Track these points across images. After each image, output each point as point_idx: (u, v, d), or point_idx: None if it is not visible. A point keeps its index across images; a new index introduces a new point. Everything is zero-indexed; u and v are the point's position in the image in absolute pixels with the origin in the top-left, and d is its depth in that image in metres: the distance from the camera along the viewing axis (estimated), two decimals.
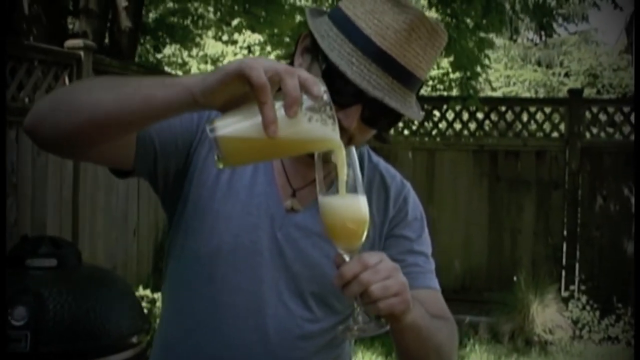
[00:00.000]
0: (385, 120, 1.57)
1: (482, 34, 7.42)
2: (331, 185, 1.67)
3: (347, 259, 1.33)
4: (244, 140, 1.23)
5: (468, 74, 7.34)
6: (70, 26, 7.70)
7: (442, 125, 8.36)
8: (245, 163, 1.49)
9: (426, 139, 8.39)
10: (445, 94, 13.19)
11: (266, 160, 1.61)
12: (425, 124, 8.41)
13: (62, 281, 2.77)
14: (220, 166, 1.25)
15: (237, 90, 1.21)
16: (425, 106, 8.45)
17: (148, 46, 9.62)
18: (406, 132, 8.47)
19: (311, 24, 1.55)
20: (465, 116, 8.36)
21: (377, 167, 1.75)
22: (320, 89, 1.21)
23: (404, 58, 1.47)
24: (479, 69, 7.77)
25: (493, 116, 8.34)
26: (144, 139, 1.53)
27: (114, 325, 2.76)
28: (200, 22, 9.76)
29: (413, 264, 1.68)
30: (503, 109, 8.22)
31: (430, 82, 14.48)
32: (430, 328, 1.53)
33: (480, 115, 8.34)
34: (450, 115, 8.34)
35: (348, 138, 1.54)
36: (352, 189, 1.33)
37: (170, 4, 8.95)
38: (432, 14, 8.10)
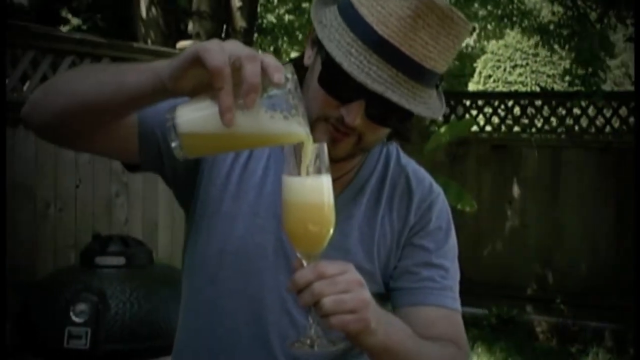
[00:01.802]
0: (395, 117, 1.42)
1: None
2: (342, 190, 1.58)
3: (305, 265, 1.24)
4: (201, 130, 1.17)
5: (590, 69, 6.95)
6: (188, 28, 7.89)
7: (569, 121, 7.99)
8: (205, 154, 1.41)
9: (551, 136, 8.02)
10: (583, 89, 12.64)
11: (228, 151, 1.54)
12: (551, 120, 8.07)
13: (128, 280, 2.80)
14: (179, 156, 1.18)
15: (203, 75, 1.13)
16: (553, 102, 8.13)
17: (267, 47, 9.72)
18: (530, 129, 8.14)
19: (314, 12, 1.44)
20: (592, 112, 7.94)
21: (405, 169, 1.63)
22: (282, 76, 1.11)
23: (409, 48, 1.33)
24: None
25: (622, 112, 7.86)
26: (146, 132, 1.49)
27: (176, 326, 2.75)
28: None
29: (427, 278, 1.56)
30: (632, 104, 7.74)
31: (567, 77, 13.94)
32: (412, 354, 1.40)
33: (608, 112, 7.88)
34: (577, 111, 7.95)
35: (357, 136, 1.44)
36: (319, 189, 1.24)
37: (289, 4, 9.02)
38: (556, 8, 7.76)
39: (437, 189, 1.65)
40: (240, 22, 6.98)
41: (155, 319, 2.72)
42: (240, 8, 6.93)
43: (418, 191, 1.61)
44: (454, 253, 1.64)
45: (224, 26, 7.16)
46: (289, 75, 1.14)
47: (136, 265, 2.92)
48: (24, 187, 4.78)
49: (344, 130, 1.42)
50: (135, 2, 6.82)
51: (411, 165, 1.66)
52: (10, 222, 4.68)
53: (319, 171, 1.23)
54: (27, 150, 4.76)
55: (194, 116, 1.16)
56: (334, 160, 1.46)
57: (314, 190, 1.23)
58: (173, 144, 1.16)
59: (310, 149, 1.21)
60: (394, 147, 1.67)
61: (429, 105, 1.40)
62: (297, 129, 1.17)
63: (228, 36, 7.25)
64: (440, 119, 8.27)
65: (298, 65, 1.48)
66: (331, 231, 1.25)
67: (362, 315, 1.23)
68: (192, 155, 1.21)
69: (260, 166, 1.57)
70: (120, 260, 2.87)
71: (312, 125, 1.41)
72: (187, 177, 1.59)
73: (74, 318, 2.59)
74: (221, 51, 1.10)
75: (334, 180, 1.55)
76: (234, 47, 1.12)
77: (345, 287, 1.22)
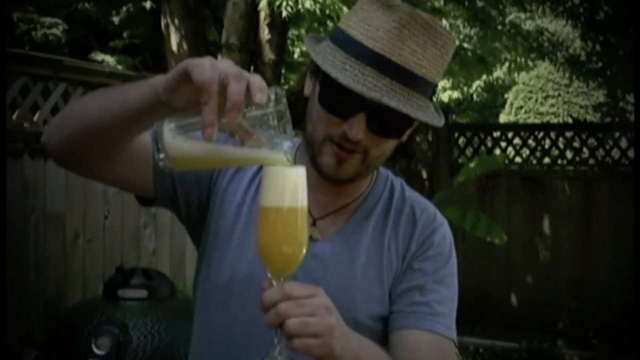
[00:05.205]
0: (396, 127, 1.49)
1: None
2: (350, 216, 1.60)
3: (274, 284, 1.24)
4: (184, 145, 1.21)
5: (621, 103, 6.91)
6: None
7: (600, 153, 7.89)
8: (189, 168, 1.44)
9: (582, 167, 7.93)
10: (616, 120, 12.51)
11: (211, 167, 1.57)
12: (583, 151, 7.98)
13: (150, 312, 2.81)
14: (165, 168, 1.23)
15: (193, 91, 1.15)
16: (584, 134, 8.04)
17: (294, 78, 9.79)
18: (561, 161, 8.05)
19: (308, 44, 1.54)
20: (624, 144, 7.83)
21: (409, 199, 1.68)
22: (265, 96, 1.13)
23: (399, 57, 1.42)
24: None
25: None
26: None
27: None
28: None
29: (421, 303, 1.56)
30: None
31: (603, 109, 13.85)
32: None
33: None
34: (609, 143, 7.85)
35: (363, 154, 1.50)
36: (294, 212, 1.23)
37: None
38: (585, 42, 7.70)
39: (441, 218, 1.68)
40: (269, 55, 7.03)
41: (176, 352, 2.73)
42: (269, 41, 6.98)
43: (422, 219, 1.64)
44: (452, 282, 1.64)
45: (253, 59, 7.23)
46: (273, 97, 1.16)
47: (158, 298, 2.94)
48: (53, 217, 4.84)
49: (350, 147, 1.48)
50: (167, 38, 6.93)
51: (415, 196, 1.70)
52: (40, 252, 4.75)
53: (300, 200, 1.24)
54: (57, 181, 4.83)
55: (179, 131, 1.21)
56: (344, 181, 1.55)
57: (291, 205, 1.23)
58: (160, 156, 1.21)
59: (287, 171, 1.22)
60: (398, 180, 1.72)
61: (425, 112, 1.47)
62: (275, 151, 1.20)
63: (257, 68, 7.31)
64: (470, 150, 8.26)
65: (298, 96, 1.56)
66: (304, 252, 1.24)
67: (325, 340, 1.22)
68: (177, 167, 1.27)
69: None
70: (143, 293, 2.89)
71: (319, 148, 1.50)
72: (199, 212, 1.63)
73: (95, 350, 2.60)
74: (211, 68, 1.13)
75: (343, 207, 1.62)
76: (225, 65, 1.15)
77: (312, 310, 1.21)
